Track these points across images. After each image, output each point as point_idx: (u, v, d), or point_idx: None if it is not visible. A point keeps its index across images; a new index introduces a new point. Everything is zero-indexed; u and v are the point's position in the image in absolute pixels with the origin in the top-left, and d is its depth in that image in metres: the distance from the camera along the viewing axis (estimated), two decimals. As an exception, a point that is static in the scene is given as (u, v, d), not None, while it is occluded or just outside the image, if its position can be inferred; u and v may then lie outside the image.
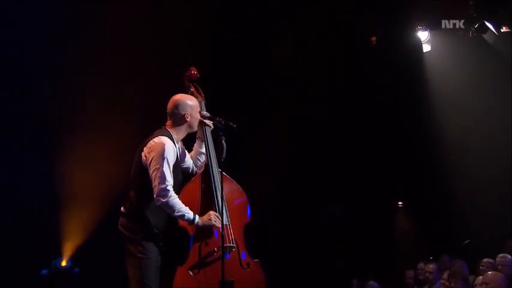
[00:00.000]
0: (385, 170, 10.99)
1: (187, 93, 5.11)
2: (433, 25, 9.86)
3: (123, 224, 4.75)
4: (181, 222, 4.78)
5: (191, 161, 5.06)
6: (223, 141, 4.77)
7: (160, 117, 4.94)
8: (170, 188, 4.58)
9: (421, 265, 8.52)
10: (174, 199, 4.60)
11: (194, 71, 5.27)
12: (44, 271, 9.67)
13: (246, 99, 10.31)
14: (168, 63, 5.66)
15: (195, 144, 5.12)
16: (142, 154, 4.67)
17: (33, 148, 9.78)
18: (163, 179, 4.54)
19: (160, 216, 4.72)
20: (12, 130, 9.76)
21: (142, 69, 8.08)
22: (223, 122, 4.86)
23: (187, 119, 4.80)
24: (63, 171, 9.36)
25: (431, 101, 10.27)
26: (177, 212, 4.62)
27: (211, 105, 5.13)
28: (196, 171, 5.09)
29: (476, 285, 6.33)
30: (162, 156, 4.57)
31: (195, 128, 4.91)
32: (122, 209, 4.79)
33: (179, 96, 4.89)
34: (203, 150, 5.07)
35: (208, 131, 5.04)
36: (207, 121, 4.93)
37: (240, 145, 10.76)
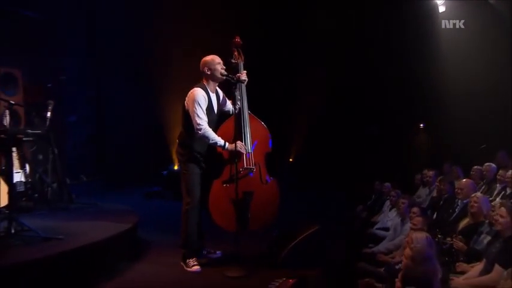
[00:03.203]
0: (411, 98, 10.23)
1: (232, 55, 4.96)
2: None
3: (177, 150, 4.84)
4: (218, 149, 4.73)
5: (231, 106, 4.95)
6: (235, 93, 4.73)
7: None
8: (204, 123, 4.55)
9: (425, 171, 8.07)
10: (208, 131, 4.57)
11: (238, 39, 5.03)
12: (164, 172, 9.93)
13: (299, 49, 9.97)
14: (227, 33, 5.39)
15: (237, 93, 4.93)
16: (185, 102, 4.65)
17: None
18: (198, 118, 4.54)
19: (200, 145, 4.71)
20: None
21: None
22: (235, 78, 4.70)
23: (208, 73, 4.69)
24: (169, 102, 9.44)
25: (444, 49, 9.29)
26: (211, 140, 4.60)
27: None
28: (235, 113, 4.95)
29: (456, 189, 5.93)
30: (195, 102, 4.55)
31: (216, 79, 4.72)
32: (177, 139, 4.83)
33: (205, 57, 4.74)
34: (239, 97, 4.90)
35: (243, 85, 4.87)
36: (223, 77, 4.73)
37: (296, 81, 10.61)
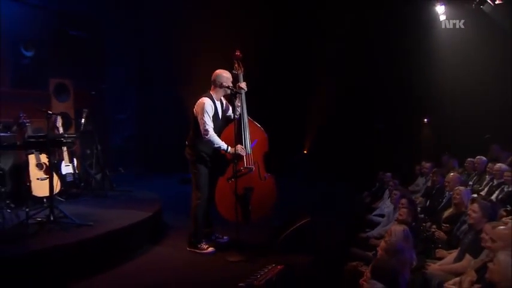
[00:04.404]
0: (416, 96, 9.78)
1: (233, 66, 4.90)
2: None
3: (186, 151, 4.80)
4: (222, 151, 4.71)
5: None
6: (235, 102, 4.66)
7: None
8: (210, 129, 4.54)
9: (423, 162, 7.82)
10: (213, 136, 4.56)
11: (238, 52, 4.96)
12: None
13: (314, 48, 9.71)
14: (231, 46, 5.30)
15: (236, 101, 4.87)
16: (194, 109, 4.64)
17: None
18: (205, 124, 4.53)
19: (207, 147, 4.67)
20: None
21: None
22: (234, 89, 4.63)
23: (217, 84, 4.67)
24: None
25: (445, 49, 8.78)
26: (216, 144, 4.59)
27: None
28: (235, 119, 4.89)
29: (445, 181, 5.73)
30: (203, 110, 4.54)
31: (221, 91, 4.70)
32: (186, 142, 4.81)
33: (217, 71, 4.72)
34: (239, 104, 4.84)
35: (243, 94, 4.81)
36: (227, 89, 4.69)
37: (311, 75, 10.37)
